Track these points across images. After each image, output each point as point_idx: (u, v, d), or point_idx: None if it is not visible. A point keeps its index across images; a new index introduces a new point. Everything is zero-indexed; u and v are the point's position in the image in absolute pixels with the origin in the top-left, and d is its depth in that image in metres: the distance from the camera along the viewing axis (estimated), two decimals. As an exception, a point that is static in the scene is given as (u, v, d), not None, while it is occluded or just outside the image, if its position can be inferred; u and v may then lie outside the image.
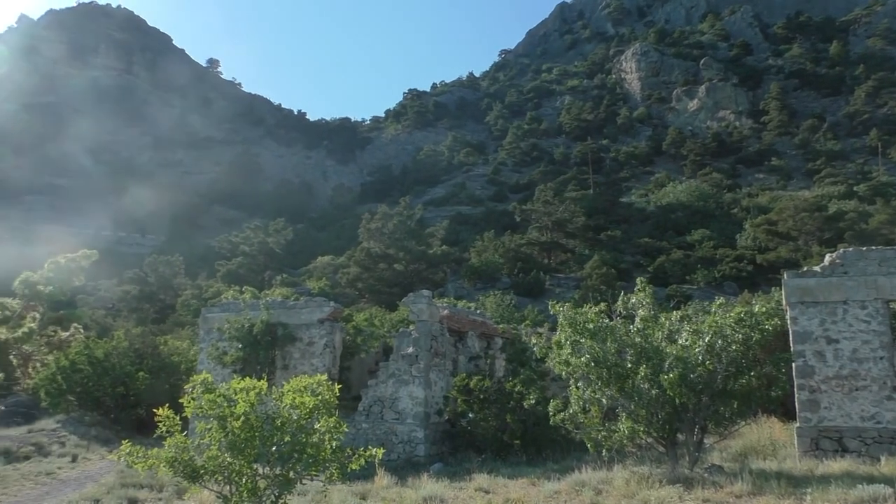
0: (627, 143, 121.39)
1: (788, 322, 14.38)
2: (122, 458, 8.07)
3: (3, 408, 23.60)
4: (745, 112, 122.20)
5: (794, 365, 13.85)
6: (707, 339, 11.67)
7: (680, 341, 12.00)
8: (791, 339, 14.20)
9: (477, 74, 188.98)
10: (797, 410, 13.97)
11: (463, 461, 16.58)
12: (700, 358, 11.60)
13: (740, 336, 11.73)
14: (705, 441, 13.24)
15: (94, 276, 54.48)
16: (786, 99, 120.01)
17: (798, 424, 13.94)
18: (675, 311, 13.06)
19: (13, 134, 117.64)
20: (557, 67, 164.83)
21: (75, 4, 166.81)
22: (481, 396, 17.89)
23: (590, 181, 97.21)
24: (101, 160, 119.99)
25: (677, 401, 11.59)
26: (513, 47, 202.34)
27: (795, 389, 13.90)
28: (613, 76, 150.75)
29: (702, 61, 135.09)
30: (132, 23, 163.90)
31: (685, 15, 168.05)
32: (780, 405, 13.92)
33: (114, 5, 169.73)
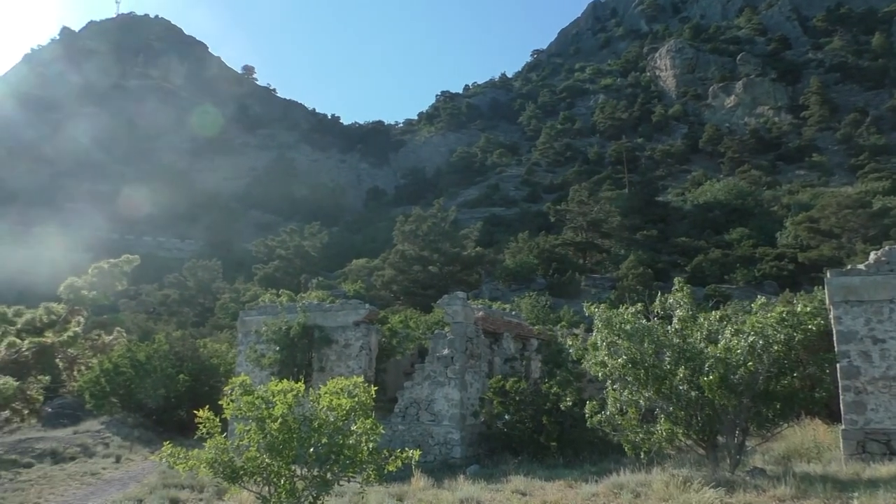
0: (663, 142, 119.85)
1: (832, 322, 14.04)
2: (164, 459, 8.22)
3: (49, 409, 24.22)
4: (784, 107, 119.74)
5: (838, 366, 13.51)
6: (748, 339, 11.44)
7: (720, 342, 11.78)
8: (835, 339, 13.86)
9: (509, 75, 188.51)
10: (842, 412, 13.63)
11: (499, 463, 16.53)
12: (741, 359, 11.38)
13: (782, 336, 11.48)
14: (747, 443, 12.99)
15: (136, 280, 55.67)
16: (827, 93, 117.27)
17: (843, 427, 13.60)
18: (714, 312, 12.84)
19: (55, 144, 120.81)
20: (590, 66, 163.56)
21: (115, 16, 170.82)
22: (517, 398, 17.81)
23: (625, 180, 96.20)
24: (141, 167, 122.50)
25: (717, 402, 11.39)
26: (545, 47, 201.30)
27: (840, 391, 13.56)
28: (648, 74, 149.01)
29: (739, 57, 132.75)
30: (170, 32, 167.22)
31: (721, 10, 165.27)
32: (824, 407, 13.60)
33: (152, 15, 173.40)
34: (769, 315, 11.75)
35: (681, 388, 11.58)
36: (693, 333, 12.12)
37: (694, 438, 12.07)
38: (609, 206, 70.27)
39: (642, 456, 12.37)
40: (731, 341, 11.59)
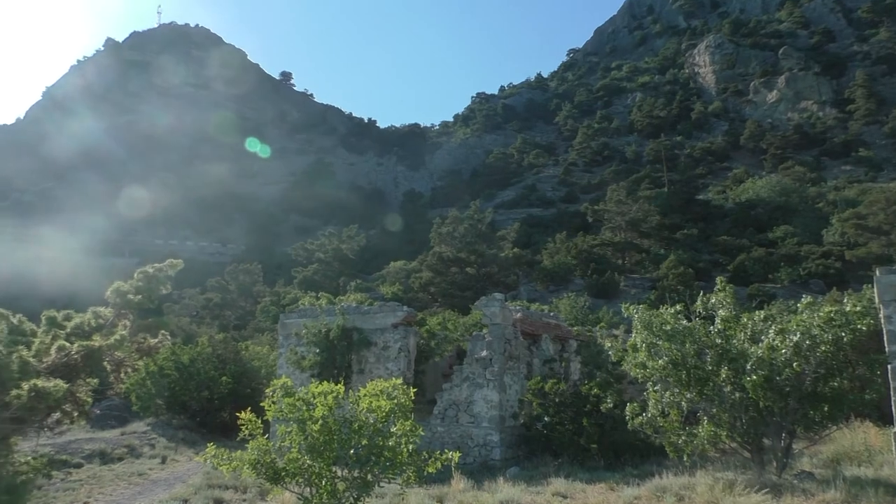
0: (703, 139, 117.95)
1: (882, 321, 13.62)
2: (208, 460, 8.36)
3: (98, 411, 24.84)
4: (828, 101, 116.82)
5: (889, 366, 13.10)
6: (794, 339, 11.18)
7: (764, 342, 11.54)
8: (885, 339, 13.43)
9: (545, 75, 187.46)
10: (894, 414, 13.21)
11: (539, 465, 16.44)
12: (786, 359, 11.12)
13: (830, 336, 11.19)
14: (794, 446, 12.69)
15: (180, 284, 56.78)
16: (873, 86, 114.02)
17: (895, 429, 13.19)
18: (757, 311, 12.57)
19: (100, 151, 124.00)
20: (627, 64, 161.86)
21: (156, 25, 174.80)
22: (557, 400, 17.69)
23: (664, 179, 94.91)
24: (183, 173, 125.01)
25: (762, 404, 11.15)
26: (581, 46, 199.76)
27: (891, 392, 13.15)
28: (686, 71, 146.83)
29: (780, 51, 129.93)
30: (209, 40, 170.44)
31: (761, 4, 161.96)
32: (875, 409, 13.21)
33: (192, 24, 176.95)
34: (816, 315, 11.46)
35: (724, 389, 11.37)
36: (736, 334, 11.89)
37: (738, 441, 11.83)
38: (648, 205, 69.39)
39: (685, 459, 12.17)
40: (774, 341, 11.34)
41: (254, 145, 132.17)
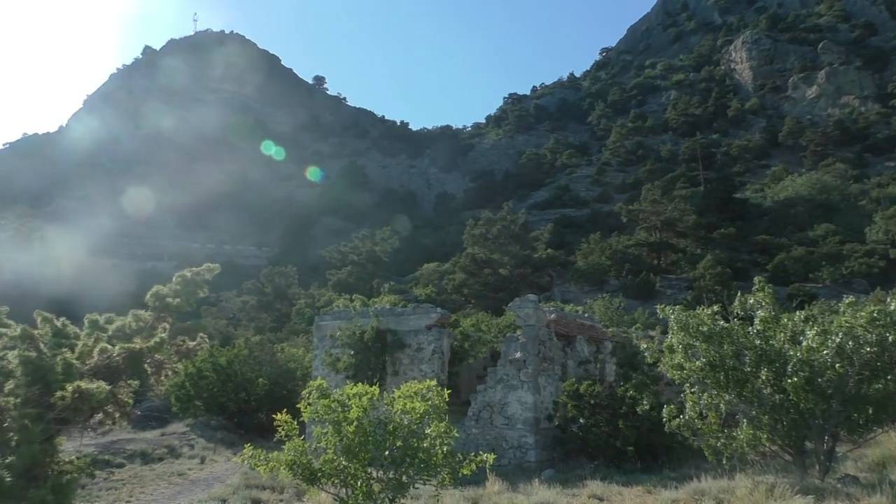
0: (740, 137, 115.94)
1: (929, 321, 13.24)
2: (246, 461, 8.47)
3: (139, 412, 25.36)
4: (871, 96, 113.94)
5: (936, 368, 12.73)
6: (836, 340, 10.91)
7: (805, 343, 11.29)
8: (932, 339, 13.05)
9: (577, 75, 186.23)
10: (942, 417, 12.83)
11: (575, 467, 16.32)
12: (828, 361, 10.87)
13: (874, 337, 10.89)
14: (837, 449, 12.40)
15: (217, 287, 57.70)
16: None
17: (944, 432, 12.80)
18: (798, 312, 12.31)
19: (140, 159, 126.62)
20: (661, 62, 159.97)
21: (192, 33, 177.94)
22: (592, 402, 17.55)
23: (700, 178, 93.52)
24: (217, 179, 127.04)
25: (803, 406, 10.91)
26: (614, 44, 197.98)
27: (939, 394, 12.76)
28: (722, 67, 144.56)
29: (820, 45, 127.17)
30: (244, 46, 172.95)
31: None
32: (922, 411, 12.80)
33: (227, 31, 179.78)
34: (859, 315, 11.18)
35: (764, 391, 11.16)
36: (776, 335, 11.66)
37: (779, 444, 11.60)
38: (684, 204, 68.46)
39: (724, 461, 11.97)
40: (815, 342, 11.09)
41: (269, 148, 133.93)
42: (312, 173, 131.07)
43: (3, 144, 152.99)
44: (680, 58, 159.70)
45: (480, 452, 8.49)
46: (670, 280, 58.37)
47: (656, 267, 61.20)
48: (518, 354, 18.79)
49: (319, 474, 8.18)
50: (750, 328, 11.89)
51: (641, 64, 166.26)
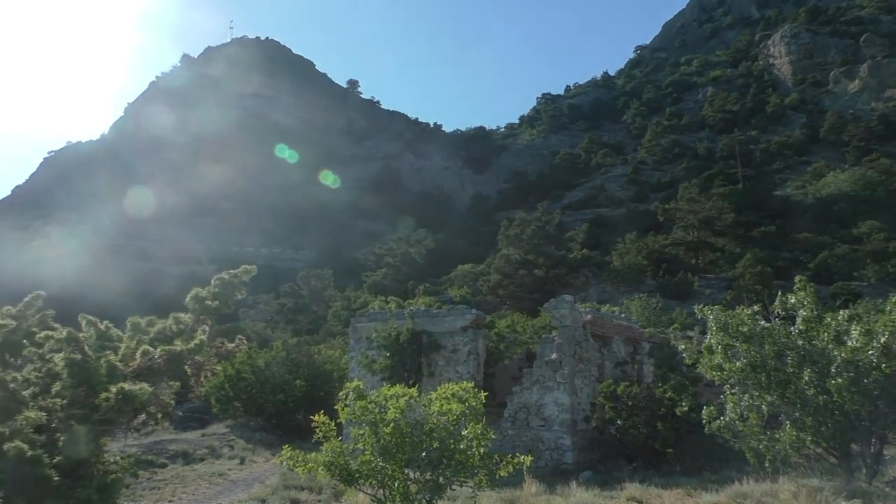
0: (779, 133, 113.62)
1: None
2: (284, 462, 8.57)
3: (180, 413, 25.81)
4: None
5: None
6: (882, 339, 10.62)
7: (849, 343, 11.01)
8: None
9: (611, 73, 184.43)
10: None
11: (613, 469, 16.16)
12: (874, 361, 10.59)
13: (921, 336, 10.59)
14: (885, 452, 12.07)
15: (255, 290, 58.49)
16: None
17: None
18: (842, 311, 12.02)
19: (177, 163, 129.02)
20: (697, 59, 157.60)
21: (229, 40, 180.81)
22: (630, 403, 17.36)
23: (738, 175, 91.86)
24: (257, 183, 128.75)
25: (848, 407, 10.64)
26: (648, 42, 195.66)
27: None
28: (760, 62, 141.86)
29: (862, 38, 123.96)
30: (279, 52, 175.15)
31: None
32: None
33: (262, 37, 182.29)
34: (906, 313, 10.87)
35: (807, 392, 10.91)
36: (819, 335, 11.40)
37: (824, 446, 11.33)
38: (722, 202, 67.34)
39: (767, 464, 11.73)
40: (860, 342, 10.80)
41: (282, 151, 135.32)
42: (326, 177, 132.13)
43: (48, 153, 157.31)
44: (716, 54, 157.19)
45: (517, 454, 8.46)
46: (708, 280, 57.46)
47: (694, 266, 60.30)
48: (554, 355, 18.68)
49: (357, 475, 8.23)
50: (792, 328, 11.66)
51: (677, 61, 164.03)
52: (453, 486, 8.50)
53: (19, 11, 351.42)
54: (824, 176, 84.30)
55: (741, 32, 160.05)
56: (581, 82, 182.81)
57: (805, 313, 11.68)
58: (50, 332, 10.83)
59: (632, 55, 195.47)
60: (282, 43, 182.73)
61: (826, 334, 11.41)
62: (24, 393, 9.53)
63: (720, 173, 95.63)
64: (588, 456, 18.11)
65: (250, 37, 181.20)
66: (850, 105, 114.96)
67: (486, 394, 9.05)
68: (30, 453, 8.76)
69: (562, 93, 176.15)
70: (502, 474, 8.38)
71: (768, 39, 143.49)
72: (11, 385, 9.22)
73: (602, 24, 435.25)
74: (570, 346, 18.68)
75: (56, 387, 10.00)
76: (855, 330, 11.16)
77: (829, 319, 11.63)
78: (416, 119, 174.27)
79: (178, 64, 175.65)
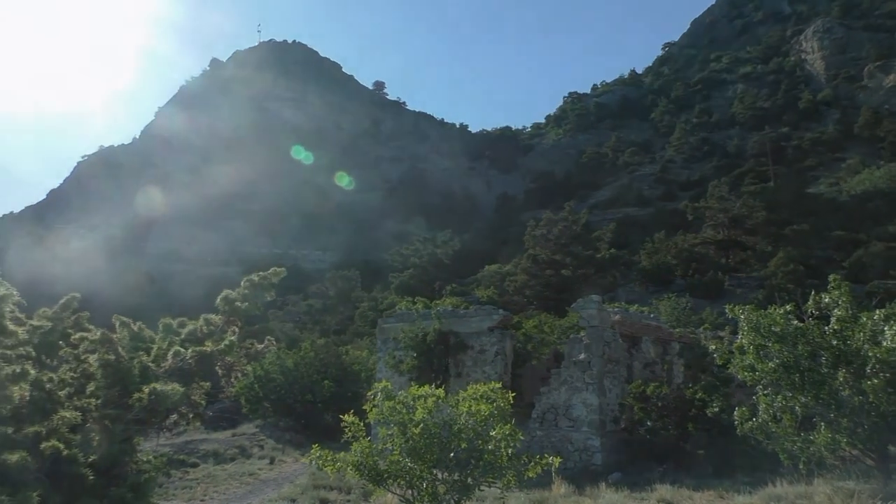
0: (812, 129, 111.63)
1: None
2: (313, 461, 8.62)
3: (210, 413, 26.14)
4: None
5: None
6: (919, 339, 10.38)
7: (885, 343, 10.77)
8: None
9: (639, 71, 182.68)
10: None
11: (643, 471, 16.01)
12: (912, 361, 10.34)
13: (961, 336, 10.32)
14: (923, 455, 11.78)
15: (283, 291, 59.01)
16: None
17: None
18: (877, 310, 11.75)
19: (204, 166, 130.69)
20: (727, 55, 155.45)
21: (257, 44, 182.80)
22: (659, 404, 17.18)
23: (769, 173, 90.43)
24: (282, 185, 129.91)
25: (884, 408, 10.41)
26: (677, 39, 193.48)
27: None
28: (792, 58, 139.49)
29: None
30: (306, 55, 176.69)
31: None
32: None
33: (290, 41, 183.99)
34: (945, 313, 10.61)
35: (842, 392, 10.70)
36: (854, 334, 11.17)
37: (860, 448, 11.10)
38: (752, 200, 66.33)
39: (801, 466, 11.52)
40: (894, 341, 10.56)
41: (299, 153, 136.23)
42: (341, 178, 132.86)
43: (81, 157, 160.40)
44: (747, 50, 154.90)
45: (545, 455, 8.42)
46: (739, 279, 56.65)
47: (724, 265, 59.50)
48: (582, 356, 18.56)
49: (385, 475, 8.25)
50: (826, 328, 11.44)
51: (706, 58, 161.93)
52: (481, 487, 8.48)
53: (53, 20, 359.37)
54: (859, 173, 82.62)
55: (772, 28, 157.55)
56: (608, 80, 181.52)
57: (839, 312, 11.46)
58: (85, 334, 11.03)
59: (660, 52, 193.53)
60: (308, 45, 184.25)
61: (861, 334, 11.17)
62: (59, 393, 9.71)
63: (751, 171, 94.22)
64: (617, 457, 17.96)
65: (277, 40, 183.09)
66: (886, 100, 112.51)
67: (513, 394, 9.02)
68: (66, 452, 8.93)
69: (588, 91, 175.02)
70: (530, 475, 8.35)
71: (800, 35, 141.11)
72: (48, 385, 9.41)
73: (629, 22, 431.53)
74: (599, 346, 18.55)
75: (90, 387, 10.18)
76: (891, 329, 10.91)
77: (864, 319, 11.38)
78: (442, 120, 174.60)
79: (207, 68, 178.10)
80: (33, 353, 9.95)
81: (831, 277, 12.22)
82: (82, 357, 10.65)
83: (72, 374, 10.37)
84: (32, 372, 9.10)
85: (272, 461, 20.71)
